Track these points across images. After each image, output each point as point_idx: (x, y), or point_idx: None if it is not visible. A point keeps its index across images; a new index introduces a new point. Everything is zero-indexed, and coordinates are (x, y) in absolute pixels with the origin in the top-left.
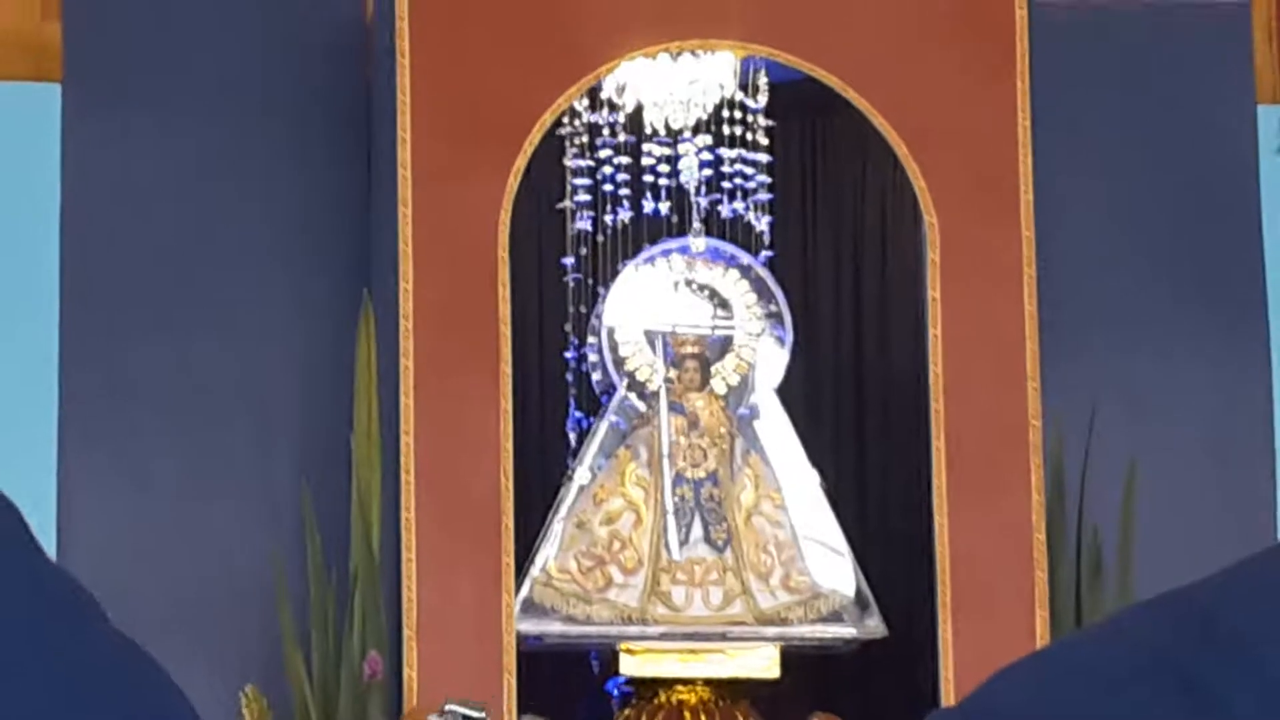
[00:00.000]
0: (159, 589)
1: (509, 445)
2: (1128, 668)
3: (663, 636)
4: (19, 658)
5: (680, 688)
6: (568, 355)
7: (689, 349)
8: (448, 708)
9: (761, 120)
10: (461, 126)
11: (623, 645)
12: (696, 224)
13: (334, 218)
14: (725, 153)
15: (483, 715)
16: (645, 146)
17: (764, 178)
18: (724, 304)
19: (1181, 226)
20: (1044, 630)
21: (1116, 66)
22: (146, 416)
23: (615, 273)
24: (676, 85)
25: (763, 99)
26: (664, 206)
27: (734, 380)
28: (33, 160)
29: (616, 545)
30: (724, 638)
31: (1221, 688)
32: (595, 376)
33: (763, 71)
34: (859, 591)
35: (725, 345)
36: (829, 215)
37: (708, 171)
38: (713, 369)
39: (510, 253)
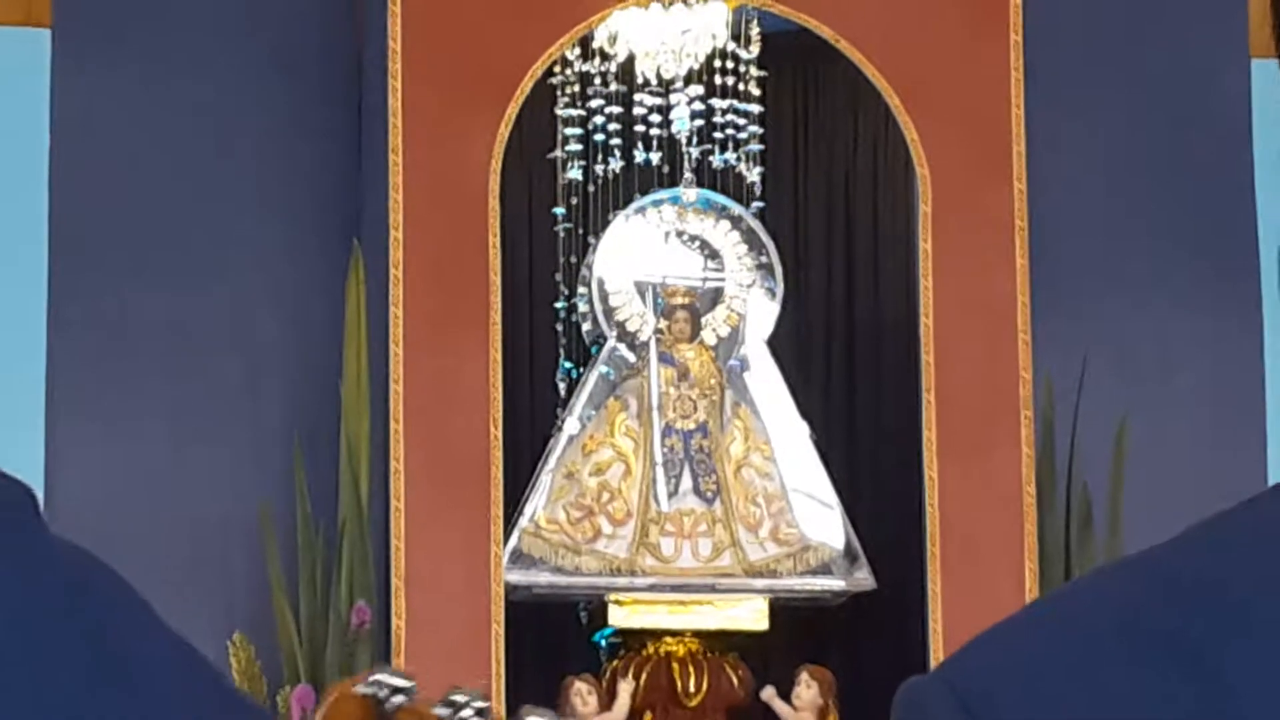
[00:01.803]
0: (147, 538)
1: (498, 395)
2: (1111, 631)
3: (651, 588)
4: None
5: (668, 639)
6: (558, 305)
7: (679, 300)
8: (374, 678)
9: (754, 71)
10: (453, 76)
11: (611, 596)
12: (688, 174)
13: (324, 167)
14: (717, 103)
15: (411, 685)
16: (637, 96)
17: (756, 128)
18: (715, 255)
19: (1174, 181)
20: (1033, 584)
21: (1110, 19)
22: (135, 365)
23: (606, 223)
24: (668, 35)
25: (755, 49)
26: (655, 157)
27: (724, 331)
28: (21, 107)
29: (605, 496)
30: (713, 589)
31: (1208, 646)
32: (585, 327)
33: (755, 21)
34: (848, 544)
35: (716, 296)
36: (821, 166)
37: (699, 122)
38: (703, 320)
39: (501, 202)
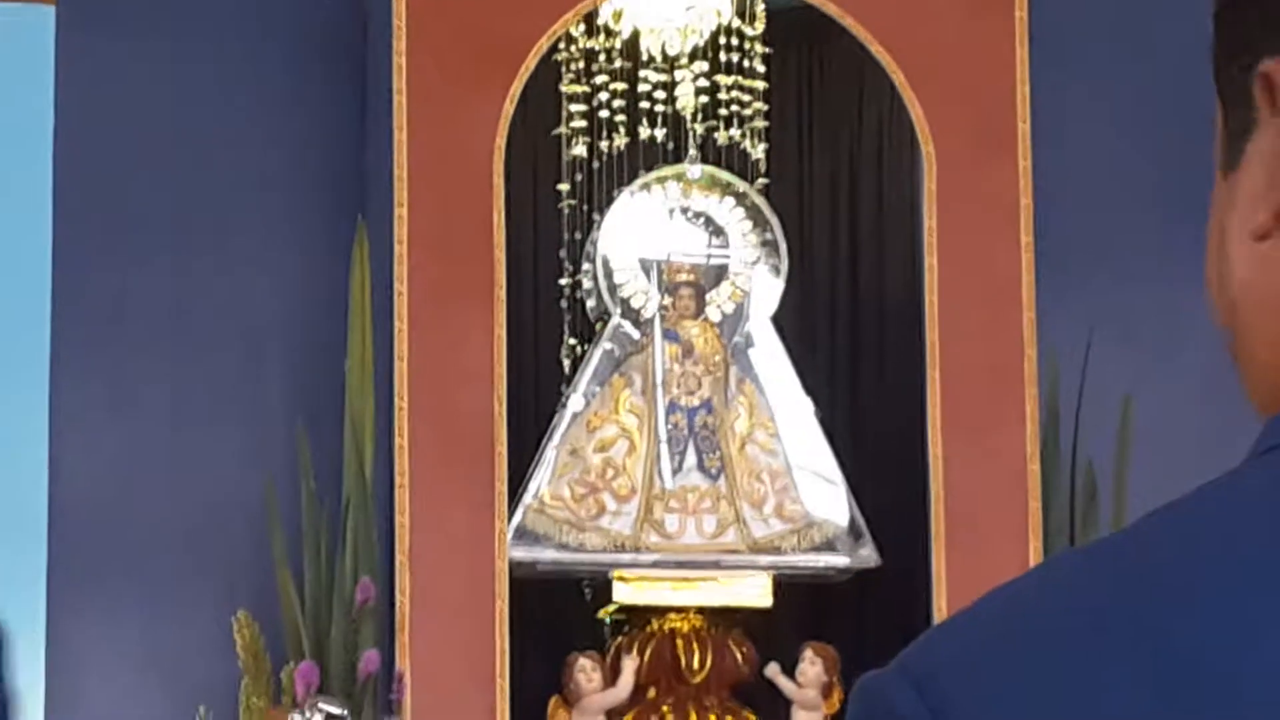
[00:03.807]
0: (152, 515)
1: (502, 372)
2: (1063, 620)
3: (656, 564)
4: None
5: (673, 615)
6: (562, 282)
7: (684, 276)
8: (321, 705)
9: (758, 47)
10: (457, 51)
11: (616, 573)
12: (692, 151)
13: (329, 143)
14: (722, 79)
15: (344, 714)
16: (641, 73)
17: (760, 105)
18: (719, 231)
19: (1179, 157)
20: (1037, 561)
21: None
22: (140, 342)
23: (610, 199)
24: (673, 11)
25: (760, 26)
26: (660, 133)
27: (729, 308)
28: (26, 83)
29: (610, 473)
30: (717, 566)
31: (1177, 636)
32: (590, 303)
33: None
34: (852, 521)
35: (720, 273)
36: (825, 143)
37: (704, 98)
38: (707, 297)
39: (505, 179)
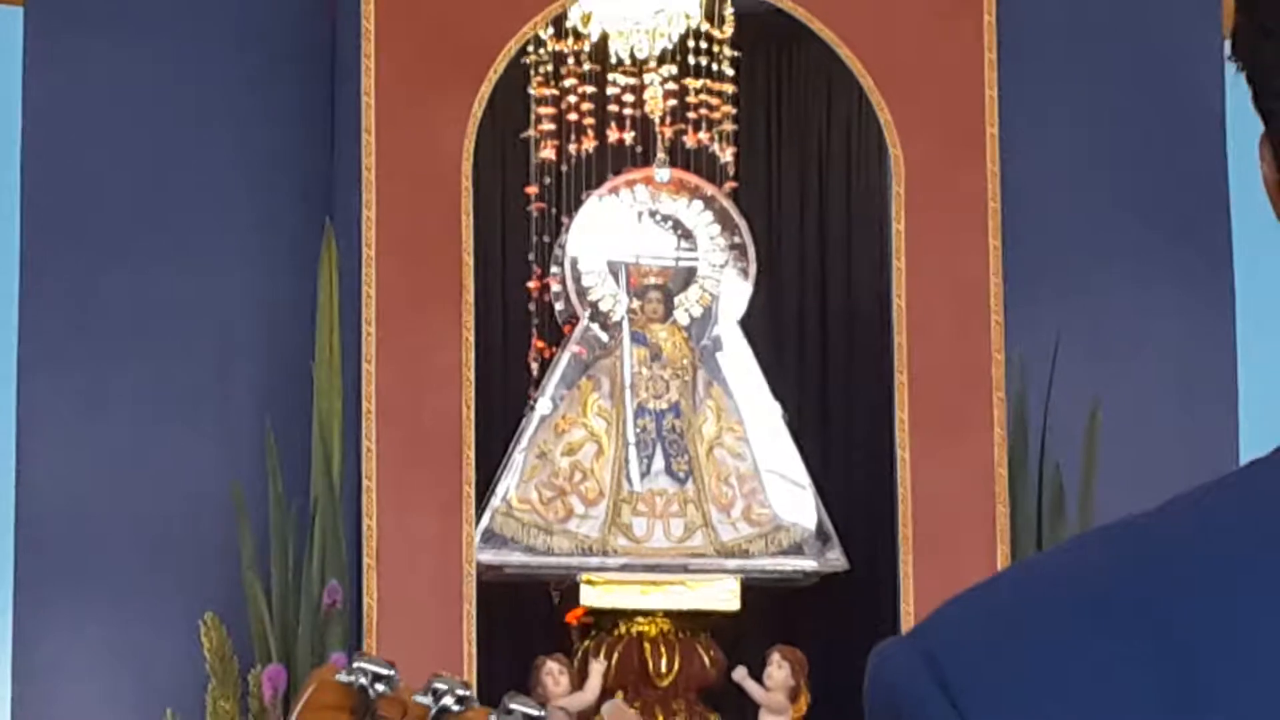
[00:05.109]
0: (119, 518)
1: (470, 375)
2: (1075, 598)
3: (623, 568)
4: None
5: (640, 619)
6: (530, 285)
7: (652, 280)
8: (356, 665)
9: (727, 51)
10: (425, 54)
11: (583, 576)
12: (661, 154)
13: (297, 145)
14: (690, 83)
15: (393, 674)
16: (610, 76)
17: (729, 108)
18: (687, 235)
19: (1147, 162)
20: (1005, 564)
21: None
22: (107, 343)
23: (579, 203)
24: (642, 14)
25: (728, 29)
26: (628, 136)
27: (697, 312)
28: None
29: (578, 476)
30: (685, 569)
31: (1173, 611)
32: (558, 306)
33: (729, 1)
34: (820, 525)
35: (688, 276)
36: (794, 147)
37: (673, 102)
38: (676, 300)
39: (473, 182)
